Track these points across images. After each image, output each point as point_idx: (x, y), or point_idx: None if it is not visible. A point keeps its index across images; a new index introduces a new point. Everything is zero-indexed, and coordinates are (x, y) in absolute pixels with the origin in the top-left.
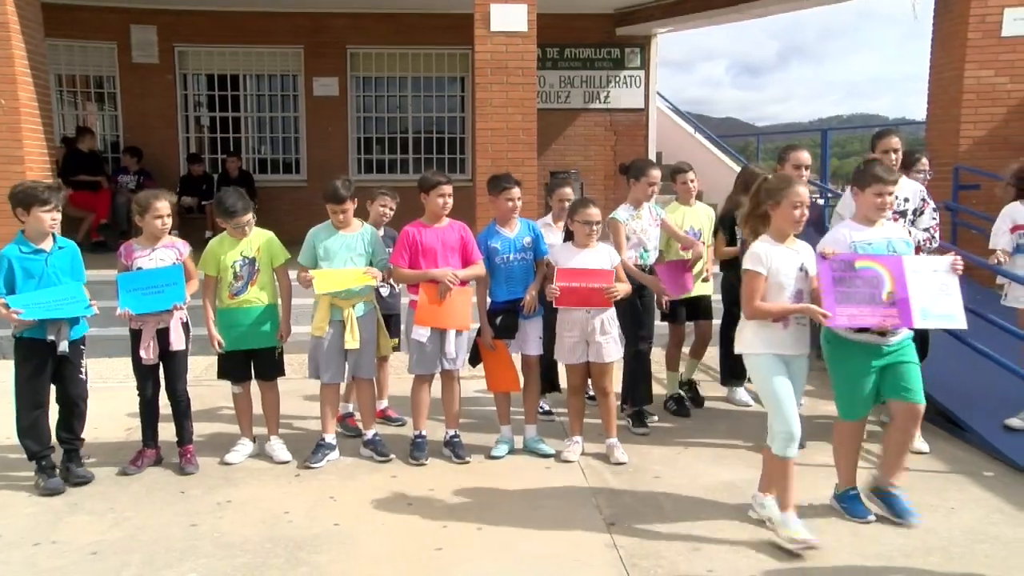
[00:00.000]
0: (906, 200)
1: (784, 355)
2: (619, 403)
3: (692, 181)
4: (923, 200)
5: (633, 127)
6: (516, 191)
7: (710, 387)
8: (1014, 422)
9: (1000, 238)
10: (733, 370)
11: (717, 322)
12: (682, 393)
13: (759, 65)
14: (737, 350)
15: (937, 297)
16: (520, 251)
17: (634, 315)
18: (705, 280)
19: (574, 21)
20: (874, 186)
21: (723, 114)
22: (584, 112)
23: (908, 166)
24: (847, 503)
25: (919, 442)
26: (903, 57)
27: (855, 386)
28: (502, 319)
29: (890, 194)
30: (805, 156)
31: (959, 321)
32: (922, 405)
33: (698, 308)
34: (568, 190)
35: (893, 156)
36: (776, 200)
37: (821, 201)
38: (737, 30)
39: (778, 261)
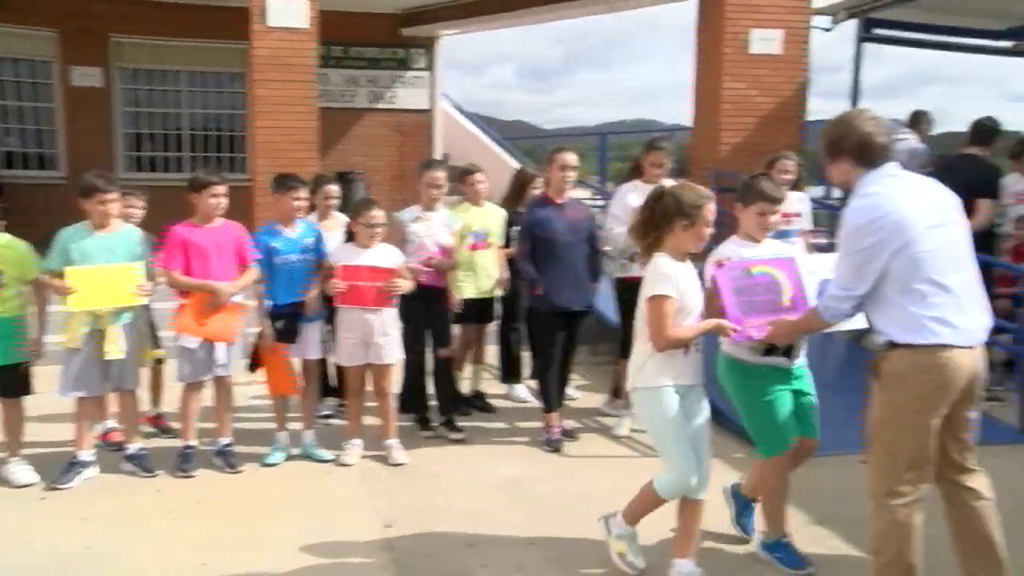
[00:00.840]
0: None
1: (683, 385)
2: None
3: (481, 182)
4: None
5: (419, 128)
6: (303, 191)
7: (488, 384)
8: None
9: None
10: (512, 368)
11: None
12: (464, 394)
13: (547, 69)
14: (636, 385)
15: None
16: (302, 252)
17: (432, 322)
18: (500, 284)
19: (359, 20)
20: (758, 204)
21: (512, 116)
22: (370, 112)
23: (771, 165)
24: (781, 553)
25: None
26: (680, 67)
27: (774, 414)
28: (283, 323)
29: (774, 213)
30: (571, 158)
31: (859, 320)
32: (815, 440)
33: (485, 312)
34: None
35: (657, 171)
36: (692, 219)
37: (601, 202)
38: (525, 34)
39: (685, 282)
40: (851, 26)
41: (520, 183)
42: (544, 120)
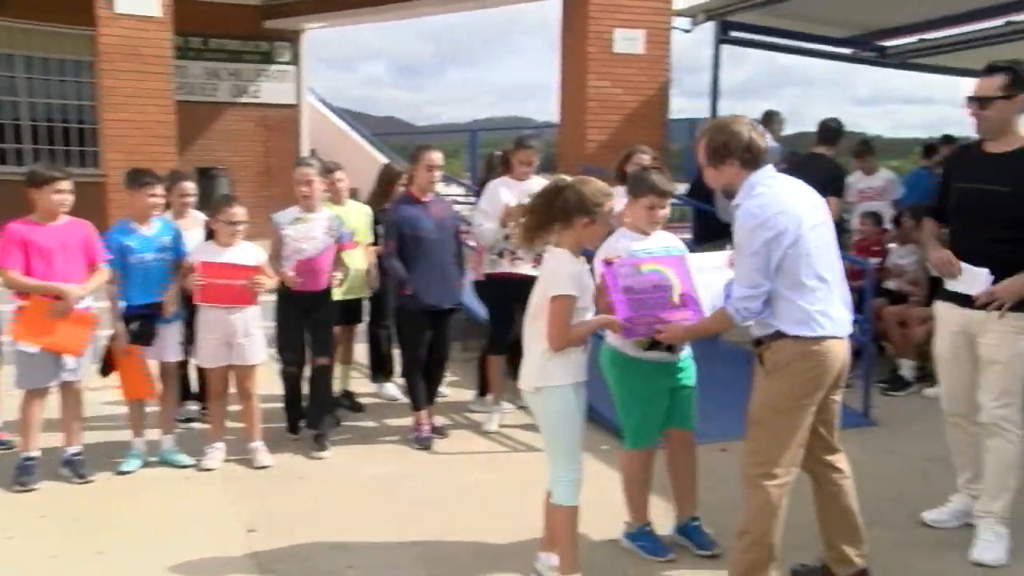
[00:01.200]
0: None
1: (580, 383)
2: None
3: (341, 180)
4: None
5: (285, 123)
6: (158, 188)
7: (358, 383)
8: None
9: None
10: (382, 366)
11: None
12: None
13: (419, 66)
14: (541, 384)
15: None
16: (159, 251)
17: (311, 329)
18: (369, 283)
19: (218, 10)
20: (648, 196)
21: (385, 113)
22: (232, 106)
23: (627, 159)
24: (644, 541)
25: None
26: (548, 64)
27: (647, 410)
28: (138, 324)
29: (663, 207)
30: (437, 156)
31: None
32: (692, 430)
33: (353, 312)
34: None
35: (526, 168)
36: (593, 216)
37: (473, 200)
38: (396, 31)
39: (586, 279)
40: (710, 28)
41: (386, 180)
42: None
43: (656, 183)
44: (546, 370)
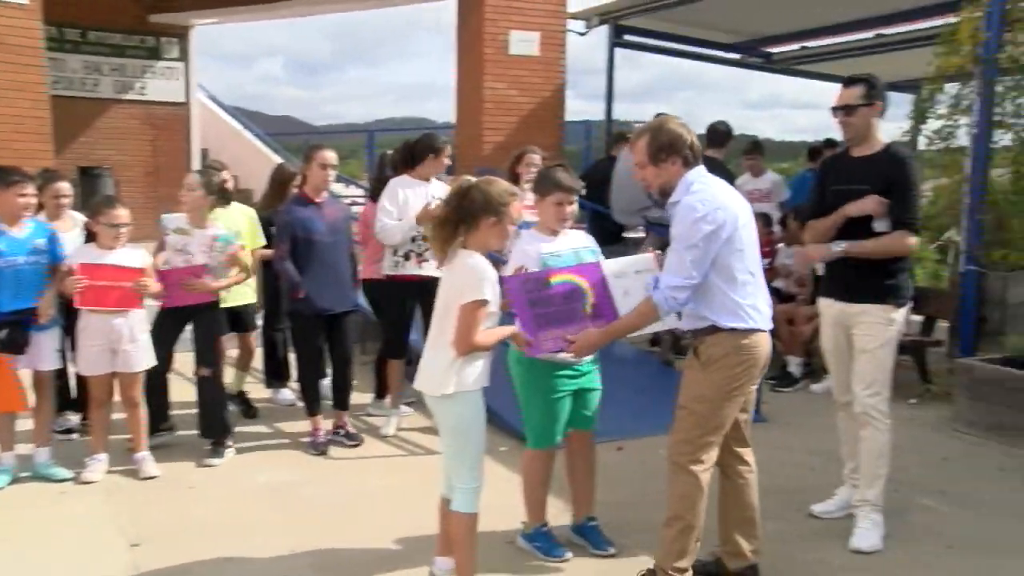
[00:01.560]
0: None
1: (484, 388)
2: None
3: (226, 181)
4: None
5: (173, 122)
6: (29, 187)
7: (254, 388)
8: None
9: None
10: (277, 372)
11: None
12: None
13: (317, 64)
14: (451, 390)
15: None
16: (31, 254)
17: (194, 339)
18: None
19: (97, 2)
20: (555, 194)
21: (281, 112)
22: (117, 103)
23: (518, 160)
24: (540, 541)
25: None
26: (448, 65)
27: (551, 411)
28: (7, 332)
29: (571, 203)
30: (330, 155)
31: (671, 320)
32: (592, 431)
33: (241, 319)
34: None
35: (446, 162)
36: (499, 216)
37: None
38: (293, 27)
39: (496, 283)
40: (604, 31)
41: (279, 181)
42: (314, 116)
43: (561, 179)
44: (457, 375)
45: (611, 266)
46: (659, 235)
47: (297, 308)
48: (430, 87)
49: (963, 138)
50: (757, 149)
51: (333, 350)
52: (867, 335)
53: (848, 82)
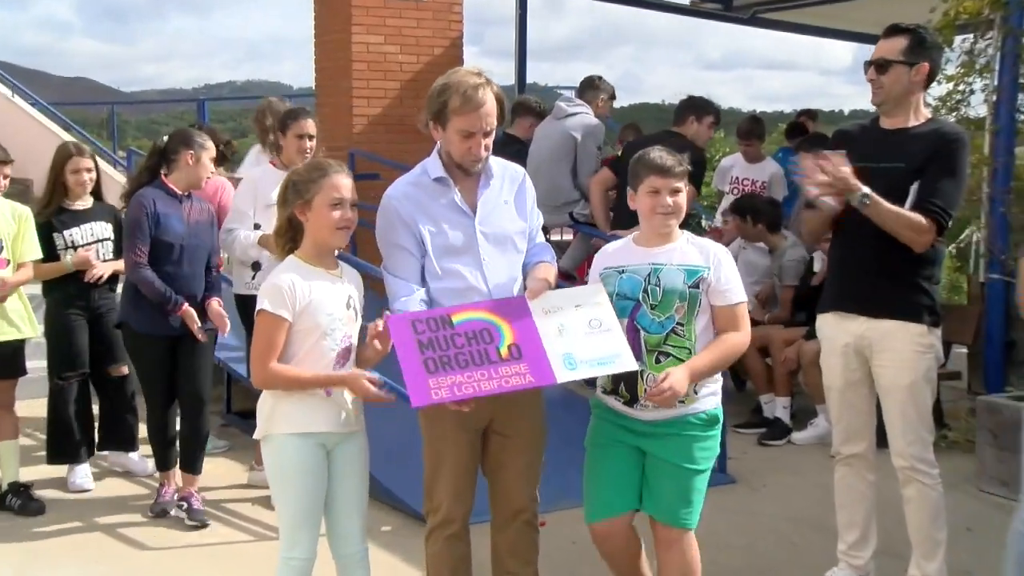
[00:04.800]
0: None
1: (325, 433)
2: None
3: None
4: None
5: None
6: None
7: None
8: None
9: None
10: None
11: None
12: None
13: (127, 9)
14: (257, 434)
15: (586, 338)
16: None
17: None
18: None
19: None
20: (648, 179)
21: (74, 72)
22: None
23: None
24: None
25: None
26: (304, 13)
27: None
28: None
29: (674, 191)
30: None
31: (625, 361)
32: (681, 531)
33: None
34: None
35: (308, 143)
36: (306, 198)
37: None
38: None
39: (318, 294)
40: None
41: (58, 167)
42: (122, 79)
43: (655, 159)
44: (269, 415)
45: (542, 300)
46: (590, 236)
47: (139, 328)
48: (282, 42)
49: (980, 106)
50: (756, 131)
51: (181, 386)
52: (898, 366)
53: (888, 31)
